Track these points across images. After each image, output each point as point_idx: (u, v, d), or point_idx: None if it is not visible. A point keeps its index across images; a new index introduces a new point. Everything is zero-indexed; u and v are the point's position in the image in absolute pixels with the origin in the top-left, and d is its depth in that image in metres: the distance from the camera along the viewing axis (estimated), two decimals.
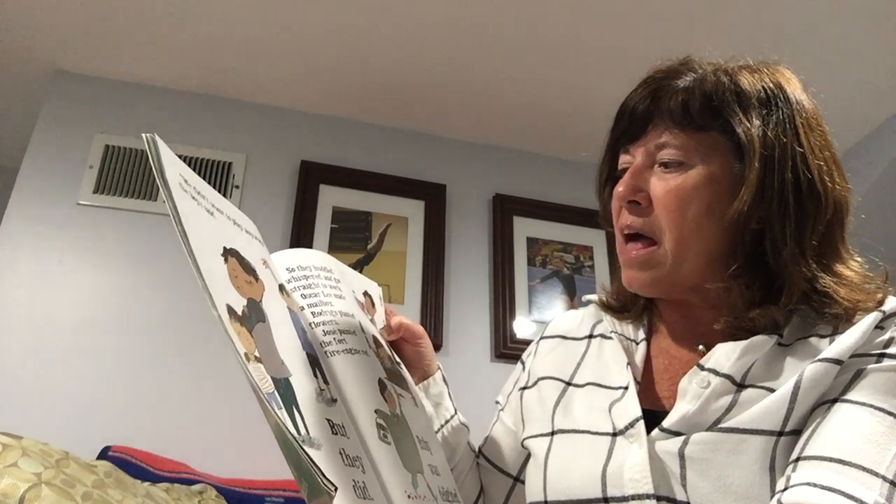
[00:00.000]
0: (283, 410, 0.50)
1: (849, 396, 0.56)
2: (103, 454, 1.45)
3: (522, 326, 2.17)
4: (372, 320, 0.76)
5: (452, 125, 2.37)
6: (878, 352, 0.58)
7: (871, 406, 0.55)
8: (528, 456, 0.76)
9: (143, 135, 0.52)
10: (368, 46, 2.02)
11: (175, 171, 0.53)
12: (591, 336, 0.80)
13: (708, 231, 0.66)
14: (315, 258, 0.73)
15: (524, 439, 0.77)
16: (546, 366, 0.80)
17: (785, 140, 0.64)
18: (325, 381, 0.60)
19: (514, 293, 2.21)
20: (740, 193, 0.64)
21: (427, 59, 2.07)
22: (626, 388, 0.68)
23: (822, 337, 0.62)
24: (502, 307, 2.17)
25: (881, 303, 0.62)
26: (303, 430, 0.51)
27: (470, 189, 2.36)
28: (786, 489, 0.53)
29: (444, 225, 2.25)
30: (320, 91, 2.21)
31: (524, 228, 2.33)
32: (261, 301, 0.57)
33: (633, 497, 0.60)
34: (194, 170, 0.58)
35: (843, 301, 0.62)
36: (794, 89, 0.69)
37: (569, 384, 0.76)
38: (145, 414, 1.76)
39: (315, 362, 0.60)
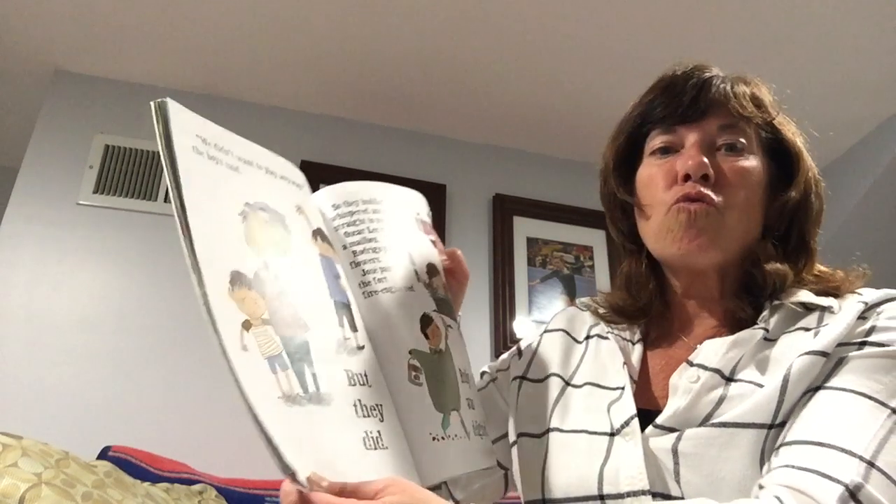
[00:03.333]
0: (290, 370, 0.50)
1: (830, 383, 0.57)
2: (103, 454, 1.45)
3: (522, 326, 2.17)
4: (433, 241, 0.73)
5: (452, 125, 2.37)
6: (860, 340, 0.59)
7: (851, 391, 0.56)
8: (511, 443, 0.77)
9: (151, 102, 0.51)
10: (368, 46, 2.02)
11: (189, 135, 0.52)
12: (588, 337, 0.81)
13: (758, 214, 0.71)
14: (363, 191, 0.70)
15: (520, 434, 0.77)
16: (552, 361, 0.80)
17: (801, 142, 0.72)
18: (354, 328, 0.59)
19: (514, 293, 2.21)
20: (791, 187, 0.70)
21: (427, 59, 2.07)
22: (624, 388, 0.69)
23: (807, 330, 0.63)
24: (502, 307, 2.17)
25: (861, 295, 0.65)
26: (311, 388, 0.51)
27: (470, 189, 2.36)
28: (766, 475, 0.55)
29: (444, 225, 2.25)
30: (320, 91, 2.21)
31: (524, 228, 2.33)
32: (284, 255, 0.56)
33: (629, 493, 0.61)
34: None
35: (828, 291, 0.66)
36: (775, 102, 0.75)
37: (568, 384, 0.76)
38: (145, 414, 1.76)
39: (345, 309, 0.59)
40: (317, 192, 0.70)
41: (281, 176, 0.62)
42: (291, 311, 0.53)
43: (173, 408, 1.78)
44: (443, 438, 0.60)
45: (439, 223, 2.23)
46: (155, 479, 1.40)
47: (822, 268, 0.70)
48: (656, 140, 0.73)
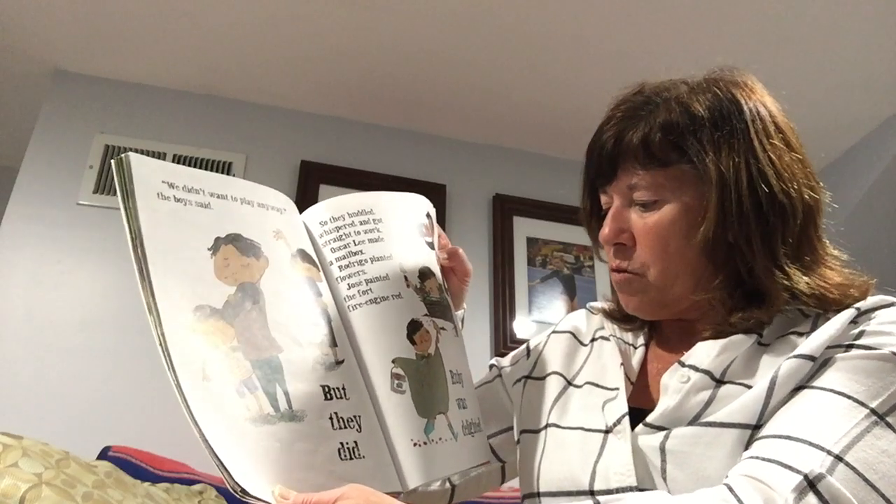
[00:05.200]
0: (260, 391, 0.52)
1: (812, 383, 0.58)
2: (103, 454, 1.45)
3: (522, 326, 2.17)
4: (430, 243, 0.75)
5: (452, 125, 2.37)
6: (848, 343, 0.59)
7: (831, 390, 0.56)
8: (514, 439, 0.79)
9: (113, 161, 0.55)
10: (368, 46, 2.02)
11: (152, 183, 0.56)
12: (593, 340, 0.82)
13: (690, 257, 0.67)
14: (351, 203, 0.71)
15: (522, 431, 0.79)
16: (555, 361, 0.82)
17: (738, 160, 0.65)
18: (333, 344, 0.61)
19: (514, 293, 2.21)
20: (705, 220, 0.65)
21: (427, 59, 2.07)
22: (619, 388, 0.71)
23: (801, 334, 0.63)
24: (502, 307, 2.17)
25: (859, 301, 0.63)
26: (283, 406, 0.53)
27: (470, 189, 2.36)
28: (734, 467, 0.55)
29: (445, 225, 2.25)
30: (320, 91, 2.21)
31: (524, 228, 2.33)
32: (258, 281, 0.58)
33: (618, 490, 0.62)
34: None
35: (825, 300, 0.63)
36: (749, 99, 0.68)
37: (570, 384, 0.78)
38: (145, 414, 1.75)
39: (323, 327, 0.61)
40: (307, 210, 0.71)
41: (259, 204, 0.64)
42: (263, 335, 0.56)
43: (173, 408, 1.77)
44: (425, 443, 0.62)
45: (439, 224, 2.23)
46: (155, 479, 1.40)
47: (833, 276, 0.67)
48: (602, 200, 0.74)
